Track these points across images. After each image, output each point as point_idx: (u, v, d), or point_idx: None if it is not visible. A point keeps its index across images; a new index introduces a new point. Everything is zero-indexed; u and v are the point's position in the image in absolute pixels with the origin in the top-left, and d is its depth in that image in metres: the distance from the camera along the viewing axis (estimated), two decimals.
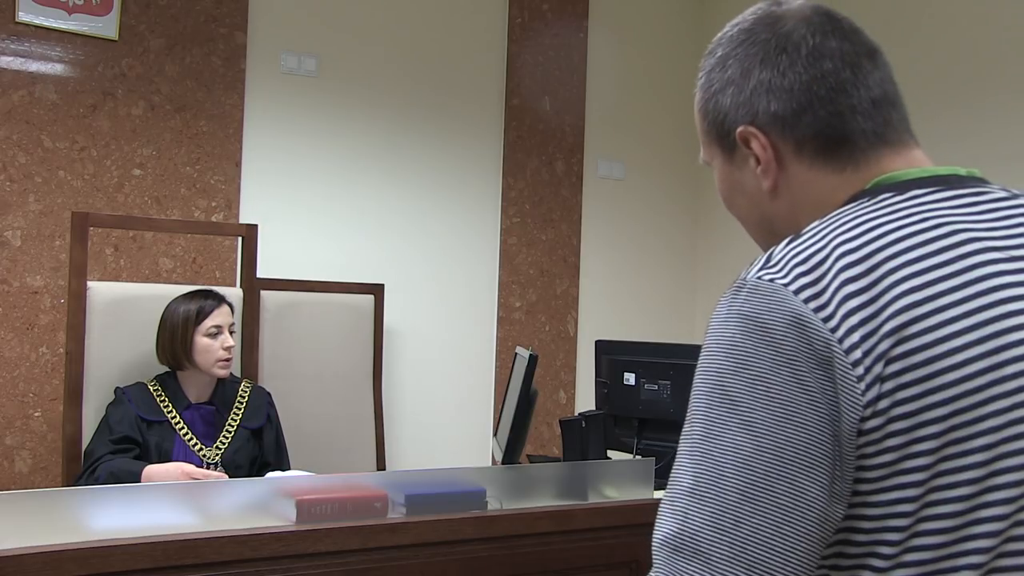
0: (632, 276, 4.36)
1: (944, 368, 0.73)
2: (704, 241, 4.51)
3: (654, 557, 0.77)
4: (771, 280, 0.77)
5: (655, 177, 4.43)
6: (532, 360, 2.38)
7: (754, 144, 0.90)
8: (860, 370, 0.73)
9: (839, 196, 0.87)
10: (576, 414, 2.72)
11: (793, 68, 0.87)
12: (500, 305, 4.00)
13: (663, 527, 0.77)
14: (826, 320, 0.74)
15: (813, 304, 0.74)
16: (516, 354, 2.72)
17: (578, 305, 4.19)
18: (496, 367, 3.98)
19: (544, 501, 2.04)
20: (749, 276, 0.79)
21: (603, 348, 2.84)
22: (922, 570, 0.74)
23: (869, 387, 0.73)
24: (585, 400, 4.08)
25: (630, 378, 2.67)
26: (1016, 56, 3.27)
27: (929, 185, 0.84)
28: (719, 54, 0.94)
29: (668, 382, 2.61)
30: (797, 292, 0.75)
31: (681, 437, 0.79)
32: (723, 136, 0.93)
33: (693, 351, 2.72)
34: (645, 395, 2.64)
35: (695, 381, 0.79)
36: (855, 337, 0.73)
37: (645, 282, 4.39)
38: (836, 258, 0.76)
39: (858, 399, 0.73)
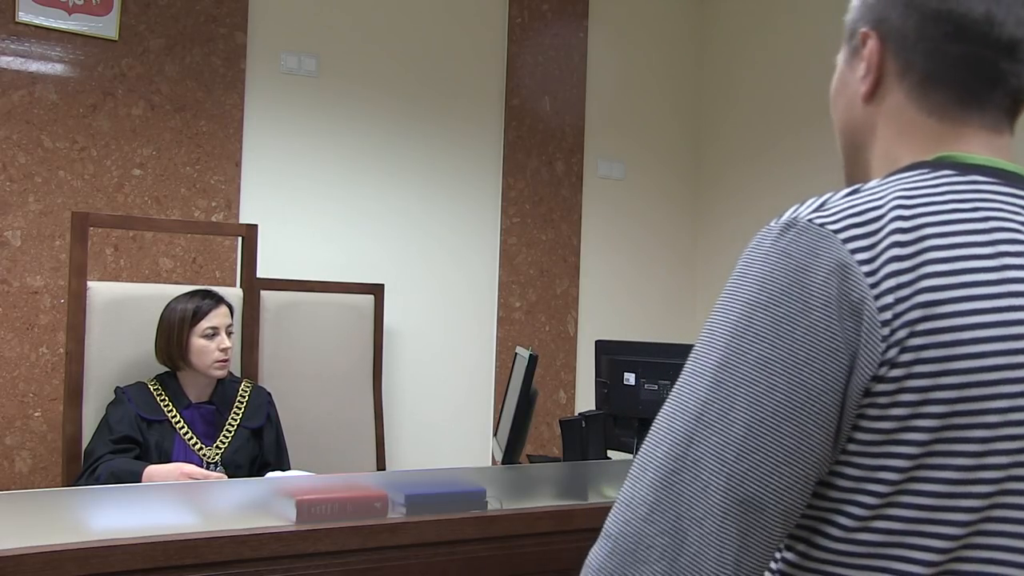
0: (632, 276, 4.36)
1: (963, 354, 0.74)
2: (704, 241, 4.51)
3: (640, 472, 0.77)
4: (822, 225, 0.77)
5: (655, 177, 4.43)
6: (532, 360, 2.38)
7: (868, 46, 0.90)
8: (887, 330, 0.74)
9: (914, 140, 0.88)
10: (576, 414, 2.72)
11: None
12: (500, 305, 4.00)
13: (661, 445, 0.77)
14: (868, 274, 0.75)
15: (860, 256, 0.75)
16: (516, 354, 2.72)
17: (578, 305, 4.19)
18: (496, 367, 3.98)
19: (544, 501, 2.05)
20: (800, 216, 0.79)
21: (603, 348, 2.84)
22: (890, 539, 0.75)
23: (890, 348, 0.74)
24: (585, 400, 4.08)
25: (630, 378, 2.67)
26: None
27: (990, 175, 0.84)
28: None
29: (668, 382, 2.61)
30: (846, 241, 0.76)
31: (692, 356, 0.79)
32: (851, 34, 0.94)
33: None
34: (645, 395, 2.64)
35: (719, 303, 0.79)
36: (890, 298, 0.74)
37: (645, 282, 4.39)
38: (890, 220, 0.77)
39: (877, 357, 0.74)
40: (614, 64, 4.29)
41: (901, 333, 0.73)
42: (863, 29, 0.91)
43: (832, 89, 0.98)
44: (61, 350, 3.06)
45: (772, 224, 0.80)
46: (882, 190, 0.81)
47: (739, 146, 4.33)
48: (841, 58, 0.97)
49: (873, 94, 0.91)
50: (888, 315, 0.74)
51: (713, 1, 4.52)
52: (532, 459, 2.95)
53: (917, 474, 0.74)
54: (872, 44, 0.90)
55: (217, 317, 2.52)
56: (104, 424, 2.44)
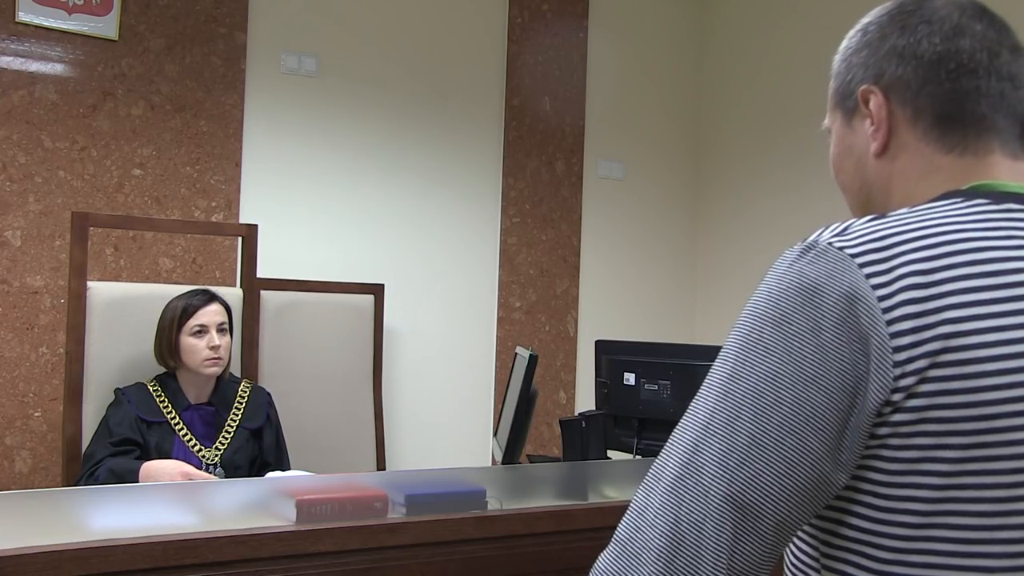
0: (632, 276, 4.36)
1: (989, 386, 0.74)
2: (704, 241, 4.51)
3: (651, 480, 0.80)
4: (841, 248, 0.78)
5: (655, 177, 4.43)
6: (532, 360, 2.38)
7: (872, 102, 0.91)
8: (901, 356, 0.74)
9: (939, 179, 0.88)
10: (576, 414, 2.72)
11: (930, 38, 0.88)
12: (500, 305, 4.00)
13: (672, 455, 0.79)
14: (882, 299, 0.75)
15: (875, 280, 0.76)
16: (516, 354, 2.72)
17: (578, 305, 4.19)
18: (496, 367, 3.98)
19: (544, 501, 2.04)
20: (821, 239, 0.80)
21: (603, 348, 2.84)
22: (927, 573, 0.76)
23: (905, 376, 0.74)
24: (585, 400, 4.08)
25: (630, 378, 2.67)
26: None
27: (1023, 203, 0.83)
28: (865, 22, 0.95)
29: (668, 382, 2.61)
30: (863, 266, 0.76)
31: (711, 369, 0.82)
32: (846, 96, 0.94)
33: (693, 351, 2.73)
34: (645, 395, 2.64)
35: (738, 319, 0.82)
36: (906, 325, 0.74)
37: (645, 282, 4.39)
38: (912, 248, 0.77)
39: (889, 383, 0.74)
40: (614, 64, 4.29)
41: (920, 363, 0.74)
42: (863, 87, 0.91)
43: (834, 155, 0.98)
44: (61, 350, 3.06)
45: (794, 246, 0.82)
46: (909, 217, 0.81)
47: (739, 146, 4.33)
48: (836, 123, 0.97)
49: (886, 147, 0.91)
50: (904, 342, 0.74)
51: (713, 2, 4.52)
52: (532, 459, 2.95)
53: (947, 507, 0.75)
54: (876, 99, 0.90)
55: (206, 315, 2.51)
56: (104, 426, 2.44)
